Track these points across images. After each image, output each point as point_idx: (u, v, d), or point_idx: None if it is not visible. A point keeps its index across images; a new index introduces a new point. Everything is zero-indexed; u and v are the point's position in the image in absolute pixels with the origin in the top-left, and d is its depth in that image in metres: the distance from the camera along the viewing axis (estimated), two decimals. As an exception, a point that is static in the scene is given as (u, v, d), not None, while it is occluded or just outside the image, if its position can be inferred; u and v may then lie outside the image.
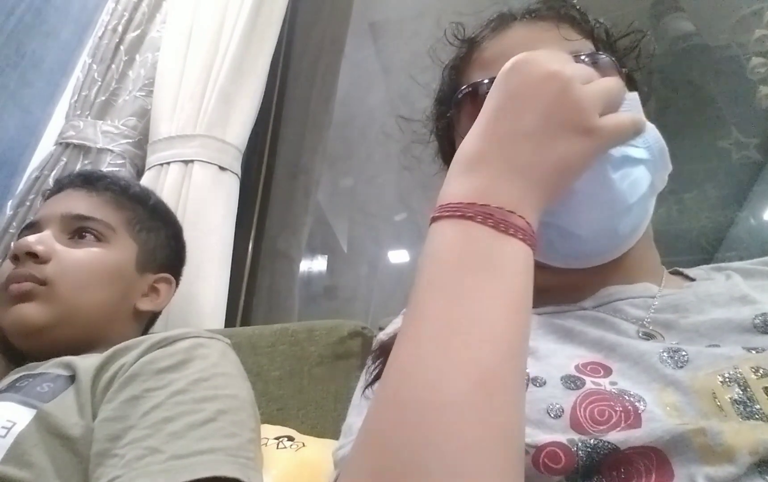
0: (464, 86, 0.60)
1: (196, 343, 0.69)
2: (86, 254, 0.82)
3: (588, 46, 0.59)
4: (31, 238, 0.79)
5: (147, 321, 0.94)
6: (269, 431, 0.77)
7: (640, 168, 0.49)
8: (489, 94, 0.44)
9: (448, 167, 0.66)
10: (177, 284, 0.97)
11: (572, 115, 0.41)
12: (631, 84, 0.59)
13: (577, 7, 0.61)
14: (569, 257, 0.52)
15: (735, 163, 1.54)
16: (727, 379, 0.38)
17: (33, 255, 0.78)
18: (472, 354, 0.33)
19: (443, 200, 0.40)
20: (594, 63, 0.54)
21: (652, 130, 0.50)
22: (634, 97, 0.50)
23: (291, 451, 0.73)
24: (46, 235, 0.81)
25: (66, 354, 0.71)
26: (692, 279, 0.57)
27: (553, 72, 0.41)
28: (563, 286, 0.54)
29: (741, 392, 0.37)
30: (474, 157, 0.41)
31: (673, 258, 0.61)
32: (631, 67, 0.62)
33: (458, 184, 0.41)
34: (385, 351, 0.50)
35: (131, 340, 0.71)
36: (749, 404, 0.37)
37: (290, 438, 0.76)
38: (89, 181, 0.90)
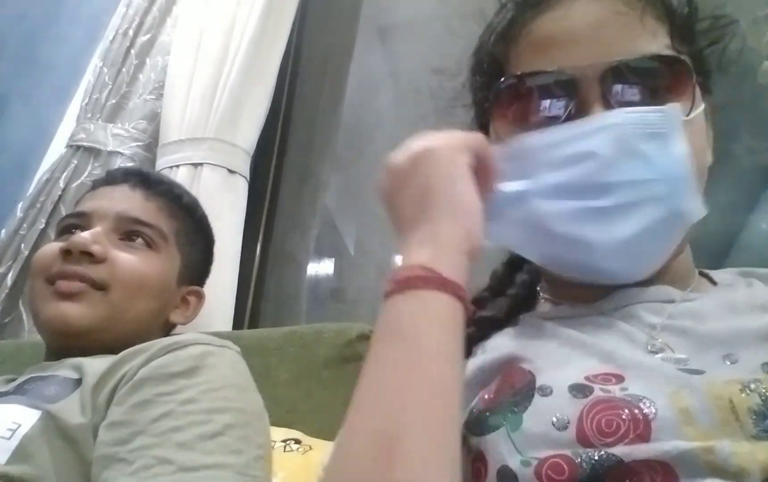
0: (514, 73, 0.51)
1: (206, 351, 0.67)
2: (140, 261, 0.78)
3: (663, 33, 0.50)
4: (86, 236, 0.75)
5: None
6: (276, 434, 0.77)
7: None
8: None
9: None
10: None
11: None
12: (704, 88, 0.53)
13: None
14: (591, 274, 0.51)
15: (746, 168, 1.53)
16: (747, 388, 0.37)
17: (88, 254, 0.74)
18: (374, 424, 0.35)
19: None
20: (659, 72, 0.49)
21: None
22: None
23: (298, 454, 0.74)
24: (101, 234, 0.77)
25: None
26: (715, 283, 0.55)
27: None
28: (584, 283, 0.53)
29: (761, 403, 0.36)
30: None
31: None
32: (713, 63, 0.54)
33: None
34: None
35: (139, 345, 0.69)
36: (767, 415, 0.36)
37: (297, 441, 0.76)
38: (147, 183, 0.85)
